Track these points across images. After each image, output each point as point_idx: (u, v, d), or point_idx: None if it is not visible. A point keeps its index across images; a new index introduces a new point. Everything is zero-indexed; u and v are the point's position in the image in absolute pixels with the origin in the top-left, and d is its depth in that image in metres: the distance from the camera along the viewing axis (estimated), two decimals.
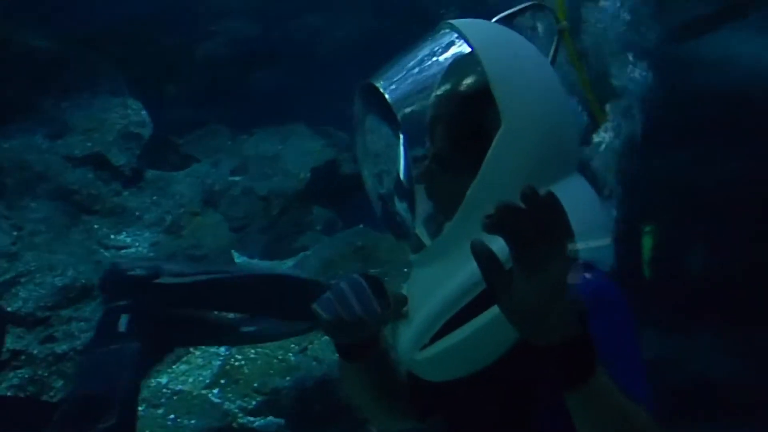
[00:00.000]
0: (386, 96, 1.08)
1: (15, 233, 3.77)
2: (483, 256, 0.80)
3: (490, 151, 1.01)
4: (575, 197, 0.98)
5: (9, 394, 3.18)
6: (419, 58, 1.13)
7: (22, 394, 3.25)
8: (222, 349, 4.18)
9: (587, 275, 0.99)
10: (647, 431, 0.88)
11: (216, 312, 3.16)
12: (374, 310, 1.09)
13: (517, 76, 1.06)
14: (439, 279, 1.04)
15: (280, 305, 3.21)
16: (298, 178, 5.71)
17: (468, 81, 1.06)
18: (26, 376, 3.27)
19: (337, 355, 1.21)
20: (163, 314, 2.73)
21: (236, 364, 3.89)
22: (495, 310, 0.91)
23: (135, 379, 2.45)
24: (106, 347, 2.44)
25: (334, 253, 4.79)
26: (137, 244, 4.46)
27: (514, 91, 1.03)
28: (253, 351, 3.92)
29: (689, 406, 3.08)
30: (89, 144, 4.59)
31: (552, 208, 0.77)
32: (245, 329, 3.14)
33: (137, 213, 4.58)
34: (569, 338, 0.82)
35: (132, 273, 2.71)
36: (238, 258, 5.32)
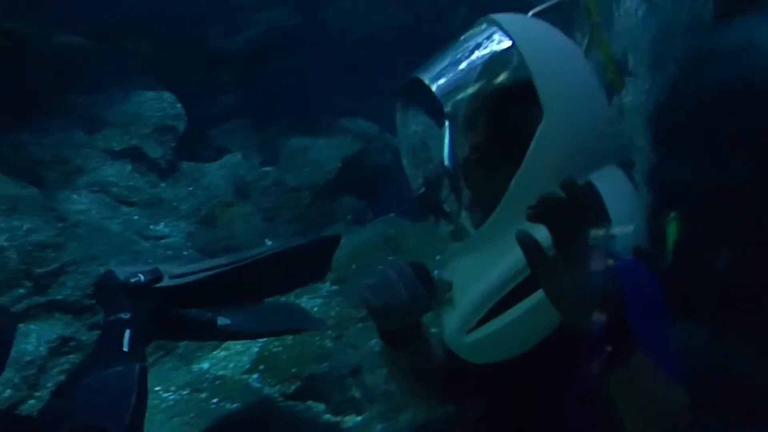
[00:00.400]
0: (433, 89, 1.14)
1: (60, 224, 3.87)
2: (528, 246, 0.86)
3: (532, 144, 1.04)
4: (611, 187, 1.05)
5: (62, 378, 3.30)
6: (462, 52, 1.16)
7: None
8: None
9: (622, 261, 1.03)
10: (684, 411, 0.93)
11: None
12: (421, 296, 1.12)
13: (558, 70, 1.08)
14: (483, 266, 1.07)
15: (289, 279, 3.16)
16: (327, 169, 5.78)
17: (509, 75, 1.12)
18: (77, 361, 3.39)
19: (373, 341, 1.29)
20: (162, 319, 2.52)
21: (274, 350, 3.98)
22: (538, 295, 0.98)
23: (141, 405, 2.12)
24: (109, 368, 2.16)
25: (364, 243, 4.84)
26: (174, 234, 4.56)
27: (554, 85, 1.06)
28: (291, 338, 4.01)
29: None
30: (126, 137, 4.70)
31: (590, 198, 0.86)
32: (222, 324, 2.89)
33: (174, 204, 4.68)
34: (608, 321, 0.87)
35: (132, 280, 2.45)
36: None
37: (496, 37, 1.14)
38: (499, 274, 1.04)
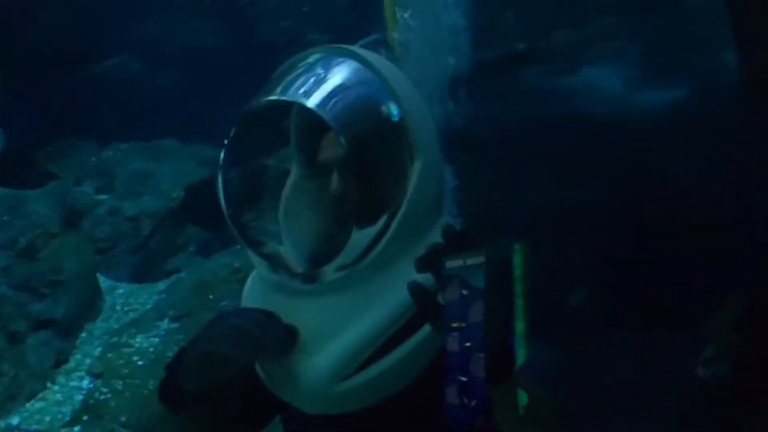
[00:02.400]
0: (323, 115, 1.04)
1: None
2: (421, 294, 0.93)
3: (411, 187, 1.05)
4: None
5: None
6: (324, 82, 1.09)
7: None
8: (85, 382, 3.88)
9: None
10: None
11: None
12: (284, 340, 1.04)
13: (420, 111, 1.11)
14: (353, 309, 1.05)
15: None
16: (170, 196, 5.46)
17: (380, 115, 1.08)
18: None
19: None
20: None
21: (101, 397, 3.60)
22: (421, 335, 1.03)
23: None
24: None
25: (210, 275, 4.62)
26: None
27: (421, 127, 1.09)
28: (120, 383, 3.65)
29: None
30: None
31: (470, 241, 0.92)
32: None
33: None
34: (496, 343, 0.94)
35: None
36: (104, 282, 4.97)
37: (359, 71, 1.11)
38: (382, 316, 1.04)
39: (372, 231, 1.05)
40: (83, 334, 4.38)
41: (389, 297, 1.04)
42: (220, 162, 1.14)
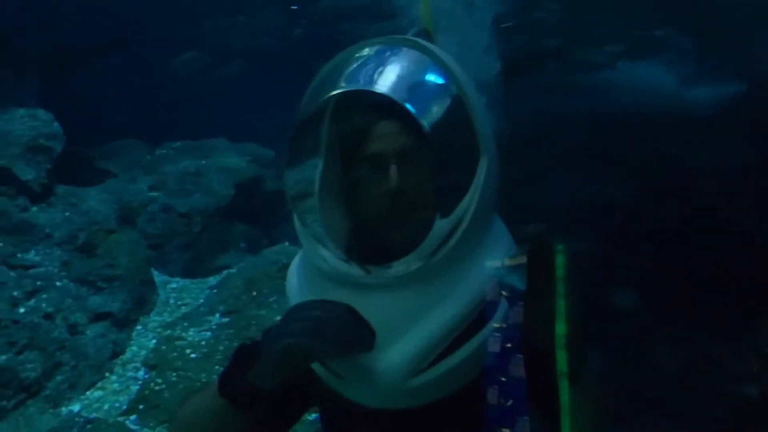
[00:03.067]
0: (409, 108, 1.01)
1: None
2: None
3: (481, 183, 1.05)
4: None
5: None
6: (399, 72, 1.06)
7: None
8: (141, 373, 3.98)
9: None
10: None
11: None
12: (366, 337, 1.01)
13: (480, 103, 1.09)
14: (427, 302, 1.03)
15: None
16: (220, 194, 5.57)
17: (450, 110, 1.05)
18: None
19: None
20: None
21: (156, 388, 3.71)
22: (485, 332, 1.01)
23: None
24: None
25: (259, 272, 4.68)
26: (46, 263, 4.19)
27: (483, 121, 1.08)
28: (174, 374, 3.75)
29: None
30: None
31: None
32: None
33: (47, 230, 4.30)
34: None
35: None
36: (158, 277, 5.11)
37: (425, 61, 1.08)
38: (456, 311, 1.03)
39: (445, 224, 1.03)
40: (138, 327, 4.48)
41: (461, 291, 1.03)
42: (285, 158, 1.11)
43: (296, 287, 1.15)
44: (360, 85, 1.03)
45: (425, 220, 1.03)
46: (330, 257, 1.07)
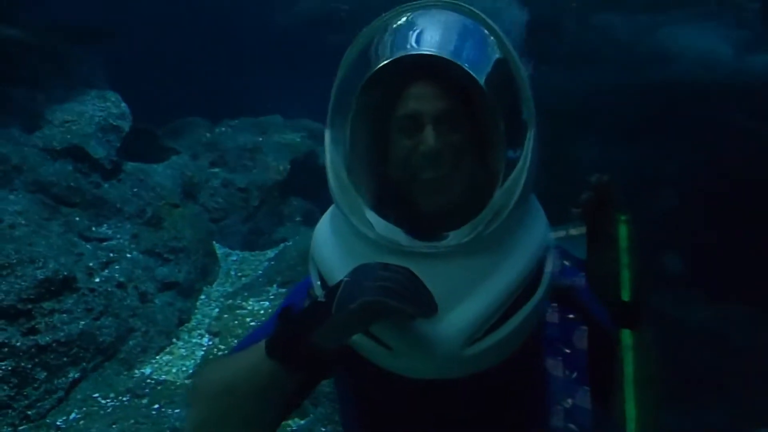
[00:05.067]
0: (466, 69, 1.01)
1: None
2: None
3: (529, 152, 1.03)
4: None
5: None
6: (462, 38, 1.05)
7: (6, 387, 3.26)
8: (205, 340, 4.23)
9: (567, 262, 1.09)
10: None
11: None
12: (431, 300, 0.98)
13: (525, 73, 1.06)
14: (481, 271, 1.01)
15: None
16: (277, 169, 5.75)
17: (504, 75, 1.04)
18: (9, 368, 3.28)
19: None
20: None
21: (219, 354, 3.93)
22: (536, 299, 1.03)
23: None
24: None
25: None
26: (118, 236, 4.47)
27: (529, 94, 1.05)
28: (236, 341, 3.97)
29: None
30: (68, 136, 4.57)
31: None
32: None
33: (118, 205, 4.58)
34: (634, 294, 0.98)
35: None
36: (219, 249, 5.35)
37: (483, 32, 1.06)
38: (509, 280, 1.01)
39: (501, 194, 1.01)
40: (202, 297, 4.74)
41: (512, 261, 1.03)
42: (329, 130, 1.10)
43: (334, 255, 1.09)
44: (421, 49, 1.02)
45: (475, 185, 1.04)
46: (378, 223, 1.04)
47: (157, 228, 4.76)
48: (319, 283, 1.10)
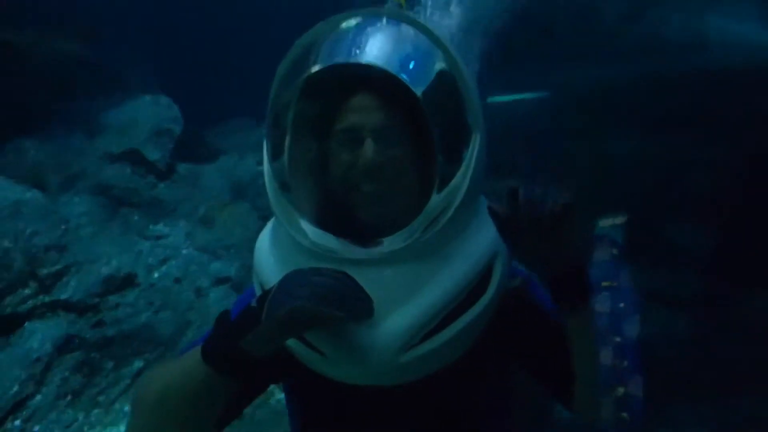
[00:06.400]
0: (403, 79, 0.98)
1: (62, 227, 4.01)
2: (497, 217, 0.95)
3: (473, 159, 1.02)
4: None
5: (67, 374, 3.44)
6: (395, 45, 1.02)
7: (79, 375, 3.51)
8: None
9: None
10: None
11: None
12: (367, 303, 0.97)
13: (470, 79, 1.06)
14: (419, 277, 1.00)
15: None
16: None
17: (445, 86, 1.02)
18: (80, 359, 3.53)
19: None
20: None
21: None
22: (479, 306, 1.02)
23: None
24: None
25: None
26: (174, 234, 4.70)
27: (474, 97, 1.05)
28: None
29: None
30: (125, 141, 4.84)
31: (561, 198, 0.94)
32: None
33: (172, 205, 4.82)
34: (573, 270, 0.99)
35: None
36: None
37: (413, 33, 1.04)
38: (449, 286, 1.00)
39: (439, 200, 0.99)
40: None
41: (452, 268, 1.01)
42: (265, 140, 1.08)
43: (271, 264, 1.08)
44: (358, 58, 0.98)
45: (416, 195, 1.01)
46: (312, 231, 1.02)
47: (209, 226, 4.98)
48: (260, 292, 1.07)
